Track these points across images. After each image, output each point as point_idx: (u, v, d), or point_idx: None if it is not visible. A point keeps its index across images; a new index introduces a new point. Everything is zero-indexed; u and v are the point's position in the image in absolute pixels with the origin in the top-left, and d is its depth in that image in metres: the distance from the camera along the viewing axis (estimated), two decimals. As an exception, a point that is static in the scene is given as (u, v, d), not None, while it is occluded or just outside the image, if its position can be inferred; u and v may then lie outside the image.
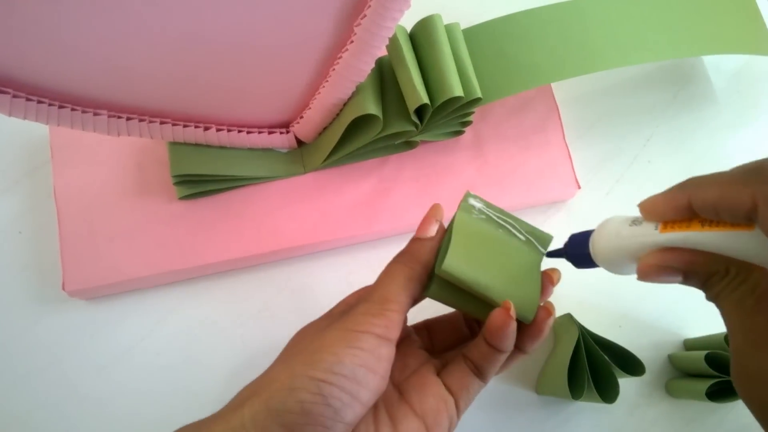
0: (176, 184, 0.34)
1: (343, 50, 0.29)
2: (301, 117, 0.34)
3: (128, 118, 0.30)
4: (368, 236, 0.37)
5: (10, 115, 0.26)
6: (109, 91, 0.28)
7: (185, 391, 0.35)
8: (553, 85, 0.39)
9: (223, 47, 0.26)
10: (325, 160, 0.35)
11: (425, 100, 0.30)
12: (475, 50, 0.32)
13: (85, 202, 0.35)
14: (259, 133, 0.35)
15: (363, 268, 0.38)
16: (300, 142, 0.37)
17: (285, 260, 0.37)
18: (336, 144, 0.34)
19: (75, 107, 0.28)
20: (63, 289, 0.34)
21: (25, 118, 0.26)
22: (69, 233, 0.34)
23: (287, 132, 0.35)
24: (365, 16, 0.26)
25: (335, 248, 0.37)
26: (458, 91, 0.30)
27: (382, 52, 0.29)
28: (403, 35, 0.32)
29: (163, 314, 0.36)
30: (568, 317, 0.35)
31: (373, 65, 0.29)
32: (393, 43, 0.31)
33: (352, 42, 0.28)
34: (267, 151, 0.36)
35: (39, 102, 0.26)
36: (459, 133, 0.37)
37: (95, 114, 0.28)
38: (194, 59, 0.27)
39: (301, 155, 0.36)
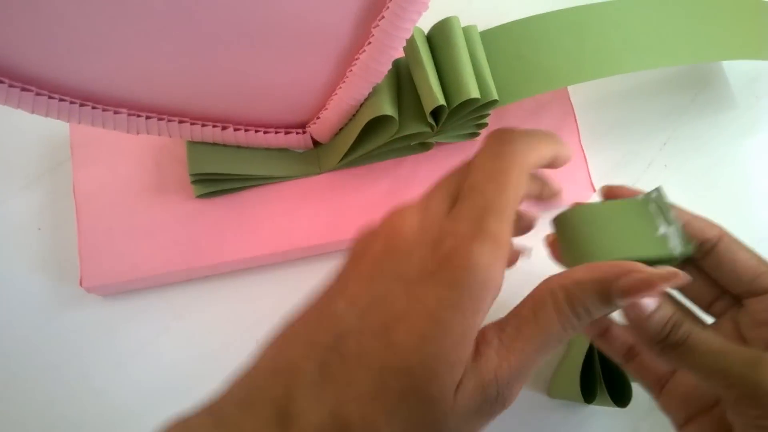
0: (194, 182, 0.35)
1: (360, 51, 0.29)
2: (318, 118, 0.34)
3: (147, 117, 0.30)
4: None
5: (32, 112, 0.26)
6: (129, 89, 0.28)
7: (199, 390, 0.35)
8: (569, 88, 0.39)
9: (242, 47, 0.27)
10: (340, 161, 0.35)
11: (441, 101, 0.30)
12: (492, 52, 0.32)
13: (104, 199, 0.36)
14: (276, 133, 0.35)
15: None
16: (316, 143, 0.37)
17: (299, 260, 0.38)
18: (351, 145, 0.34)
19: (95, 105, 0.28)
20: (80, 285, 0.34)
21: (47, 115, 0.27)
22: (87, 230, 0.35)
23: (303, 132, 0.36)
24: (383, 17, 0.26)
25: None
26: (475, 92, 0.30)
27: (400, 53, 0.29)
28: (420, 37, 0.32)
29: (179, 312, 0.36)
30: (582, 321, 0.35)
31: (390, 67, 0.29)
32: (410, 45, 0.32)
33: (369, 43, 0.28)
34: (283, 150, 0.36)
35: (60, 100, 0.27)
36: (474, 135, 0.37)
37: (115, 112, 0.29)
38: (213, 58, 0.27)
39: (317, 155, 0.37)
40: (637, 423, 0.35)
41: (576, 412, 0.36)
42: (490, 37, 0.33)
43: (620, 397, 0.32)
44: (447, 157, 0.37)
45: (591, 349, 0.33)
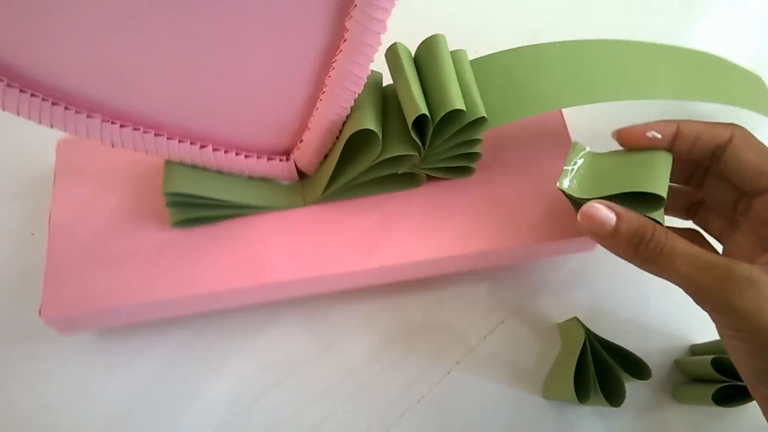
0: (169, 205, 0.33)
1: (337, 52, 0.28)
2: (301, 141, 0.33)
3: (122, 126, 0.29)
4: (367, 275, 0.34)
5: (3, 109, 0.25)
6: (104, 91, 0.27)
7: (186, 390, 0.36)
8: (567, 123, 0.38)
9: (216, 42, 0.26)
10: (325, 190, 0.33)
11: (424, 110, 0.29)
12: (482, 78, 0.31)
13: (79, 229, 0.34)
14: (258, 158, 0.33)
15: (363, 325, 0.37)
16: (301, 175, 0.35)
17: (281, 305, 0.37)
18: (336, 170, 0.32)
19: (68, 106, 0.27)
20: (39, 314, 0.31)
21: (17, 112, 0.26)
22: (56, 259, 0.33)
23: (287, 160, 0.34)
24: (356, 6, 0.26)
25: (333, 291, 0.36)
26: (459, 104, 0.29)
27: (375, 50, 0.28)
28: (405, 54, 0.31)
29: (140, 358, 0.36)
30: (575, 321, 0.35)
31: (368, 71, 0.28)
32: (393, 55, 0.31)
33: (345, 41, 0.27)
34: (267, 181, 0.34)
35: (33, 95, 0.26)
36: (468, 170, 0.35)
37: (89, 116, 0.28)
38: (188, 59, 0.27)
39: (302, 187, 0.35)
40: (632, 423, 0.36)
41: (570, 412, 0.36)
42: (481, 64, 0.32)
43: (614, 397, 0.32)
44: (440, 194, 0.35)
45: (585, 351, 0.33)
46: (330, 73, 0.29)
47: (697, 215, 0.33)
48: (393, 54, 0.31)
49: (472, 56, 0.32)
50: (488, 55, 0.33)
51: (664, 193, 0.27)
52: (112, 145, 0.29)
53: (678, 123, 0.28)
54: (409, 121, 0.29)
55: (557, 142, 0.37)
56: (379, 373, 0.36)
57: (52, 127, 0.27)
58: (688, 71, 0.33)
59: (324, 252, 0.33)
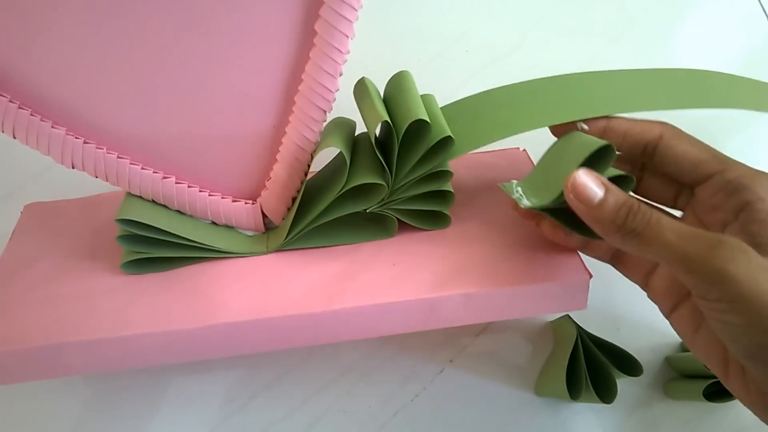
0: (121, 239, 0.30)
1: (305, 64, 0.28)
2: (269, 179, 0.31)
3: (86, 142, 0.28)
4: (329, 322, 0.30)
5: None
6: (73, 98, 0.27)
7: (181, 389, 0.35)
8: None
9: (184, 41, 0.26)
10: (289, 232, 0.31)
11: (385, 117, 0.28)
12: (451, 118, 0.31)
13: (24, 274, 0.31)
14: (222, 198, 0.31)
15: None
16: (267, 227, 0.33)
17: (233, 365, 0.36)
18: (300, 208, 0.31)
19: (35, 113, 0.27)
20: None
21: None
22: None
23: (253, 203, 0.32)
24: (323, 3, 0.26)
25: (294, 346, 0.31)
26: (423, 115, 0.28)
27: (343, 58, 0.27)
28: (372, 85, 0.31)
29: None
30: (567, 319, 0.36)
31: (337, 86, 0.27)
32: (360, 85, 0.31)
33: (314, 46, 0.27)
34: (229, 228, 0.32)
35: (1, 95, 0.26)
36: (442, 219, 0.32)
37: (53, 127, 0.27)
38: (155, 68, 0.27)
39: (267, 237, 0.33)
40: (623, 419, 0.36)
41: (562, 409, 0.36)
42: (449, 109, 0.32)
43: (606, 393, 0.33)
44: (412, 245, 0.32)
45: (576, 347, 0.33)
46: (299, 88, 0.28)
47: None
48: (360, 85, 0.31)
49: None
50: (456, 101, 0.33)
51: (606, 142, 0.26)
52: (72, 166, 0.28)
53: (607, 118, 0.29)
54: (371, 129, 0.29)
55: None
56: (372, 373, 0.36)
57: (14, 135, 0.26)
58: (671, 85, 0.32)
59: (283, 295, 0.30)
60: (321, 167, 0.33)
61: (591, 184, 0.25)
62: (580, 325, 0.34)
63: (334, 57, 0.27)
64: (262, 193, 0.32)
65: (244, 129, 0.30)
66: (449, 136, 0.28)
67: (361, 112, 0.30)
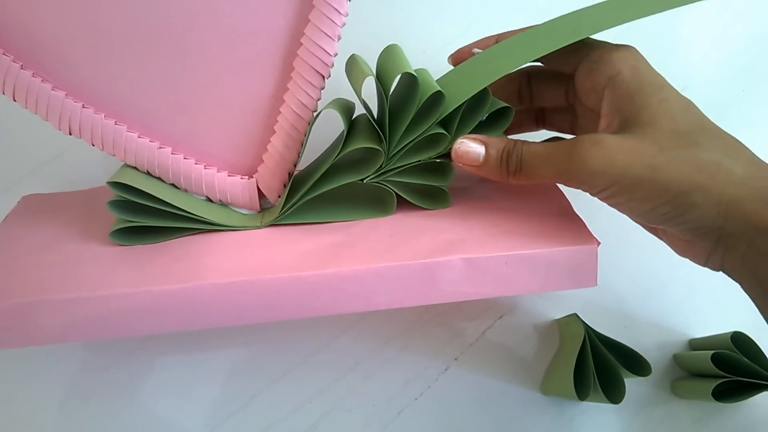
0: (112, 206, 0.29)
1: (305, 26, 0.27)
2: (266, 151, 0.31)
3: (84, 106, 0.28)
4: (322, 288, 0.28)
5: None
6: (74, 61, 0.27)
7: (182, 389, 0.35)
8: None
9: (184, 19, 0.26)
10: (284, 204, 0.30)
11: (370, 73, 0.28)
12: (443, 83, 0.30)
13: (13, 245, 0.31)
14: (219, 171, 0.31)
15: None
16: (263, 207, 0.32)
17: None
18: (294, 180, 0.30)
19: (36, 73, 0.27)
20: None
21: None
22: None
23: (249, 178, 0.31)
24: None
25: (285, 317, 0.29)
26: (410, 69, 0.28)
27: (342, 22, 0.27)
28: (362, 60, 0.30)
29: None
30: (575, 317, 0.35)
31: (335, 49, 0.27)
32: (351, 59, 0.31)
33: (313, 8, 0.27)
34: (224, 206, 0.32)
35: (4, 54, 0.26)
36: (443, 197, 0.32)
37: (53, 89, 0.27)
38: (155, 27, 0.27)
39: (261, 214, 0.32)
40: (630, 419, 0.36)
41: (568, 408, 0.36)
42: (443, 77, 0.32)
43: (614, 393, 0.32)
44: (409, 223, 0.31)
45: (584, 347, 0.33)
46: (298, 52, 0.28)
47: (545, 123, 0.35)
48: (350, 59, 0.31)
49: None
50: (450, 70, 0.33)
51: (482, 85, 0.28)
52: (70, 131, 0.28)
53: (496, 37, 0.31)
54: (359, 92, 0.28)
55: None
56: (376, 371, 0.36)
57: (14, 98, 0.26)
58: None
59: (275, 260, 0.29)
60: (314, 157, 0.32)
61: (471, 146, 0.29)
62: (588, 323, 0.34)
63: (333, 18, 0.27)
64: (259, 169, 0.31)
65: (241, 97, 0.29)
66: (439, 91, 0.28)
67: (351, 83, 0.30)
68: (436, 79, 0.31)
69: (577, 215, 0.31)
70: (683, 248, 0.28)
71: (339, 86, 0.30)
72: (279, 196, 0.31)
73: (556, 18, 0.32)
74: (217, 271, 0.28)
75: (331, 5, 0.27)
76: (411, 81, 0.28)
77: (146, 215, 0.29)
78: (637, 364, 0.33)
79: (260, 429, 0.34)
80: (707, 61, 0.44)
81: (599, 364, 0.33)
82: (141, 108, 0.29)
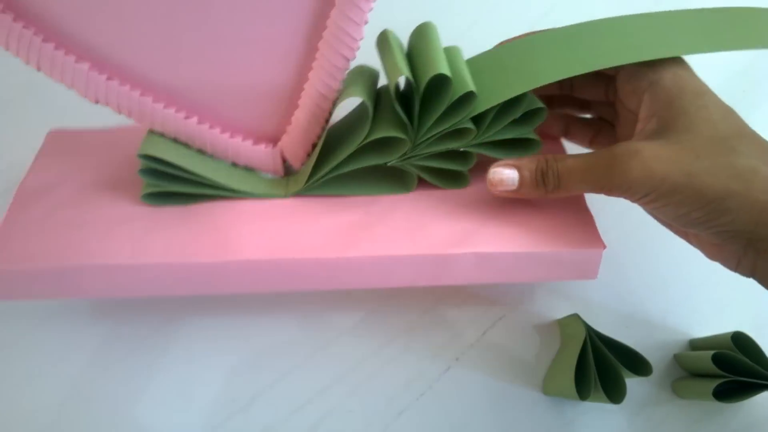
0: (143, 173, 0.31)
1: (330, 10, 0.27)
2: (289, 124, 0.32)
3: (109, 78, 0.28)
4: (343, 269, 0.31)
5: None
6: (97, 32, 0.27)
7: (182, 389, 0.35)
8: None
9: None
10: (309, 178, 0.32)
11: (406, 72, 0.28)
12: (476, 71, 0.30)
13: (46, 196, 0.32)
14: (243, 140, 0.32)
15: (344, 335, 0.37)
16: (286, 171, 0.34)
17: (278, 303, 0.36)
18: (320, 155, 0.31)
19: (59, 45, 0.27)
20: None
21: (6, 45, 0.25)
22: (13, 217, 0.31)
23: (273, 146, 0.33)
24: None
25: (307, 288, 0.32)
26: (444, 69, 0.28)
27: (369, 7, 0.27)
28: (395, 38, 0.31)
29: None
30: (576, 317, 0.35)
31: (362, 34, 0.27)
32: (382, 38, 0.30)
33: None
34: (249, 170, 0.33)
35: (24, 27, 0.25)
36: (462, 178, 0.33)
37: (77, 61, 0.27)
38: (181, 7, 0.26)
39: (286, 181, 0.34)
40: (631, 419, 0.36)
41: (569, 408, 0.36)
42: (474, 61, 0.31)
43: (615, 393, 0.32)
44: (429, 202, 0.33)
45: (585, 347, 0.33)
46: (323, 35, 0.28)
47: (568, 134, 0.36)
48: (382, 37, 0.31)
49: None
50: (482, 52, 0.32)
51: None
52: (96, 100, 0.28)
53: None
54: (393, 86, 0.29)
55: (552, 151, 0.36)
56: (377, 371, 0.36)
57: (38, 68, 0.26)
58: (709, 24, 0.31)
59: (299, 238, 0.31)
60: (343, 115, 0.33)
61: (505, 173, 0.29)
62: (589, 323, 0.34)
63: (361, 5, 0.27)
64: (283, 138, 0.32)
65: (266, 75, 0.30)
66: (472, 92, 0.29)
67: (383, 65, 0.30)
68: (479, 54, 0.32)
69: (588, 211, 0.33)
70: (713, 252, 0.28)
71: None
72: (302, 164, 0.33)
73: (604, 29, 0.31)
74: (246, 247, 0.30)
75: None
76: (444, 79, 0.28)
77: (175, 182, 0.31)
78: (638, 364, 0.33)
79: (261, 429, 0.34)
80: (707, 62, 0.44)
81: (600, 364, 0.33)
82: (166, 83, 0.29)
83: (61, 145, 0.35)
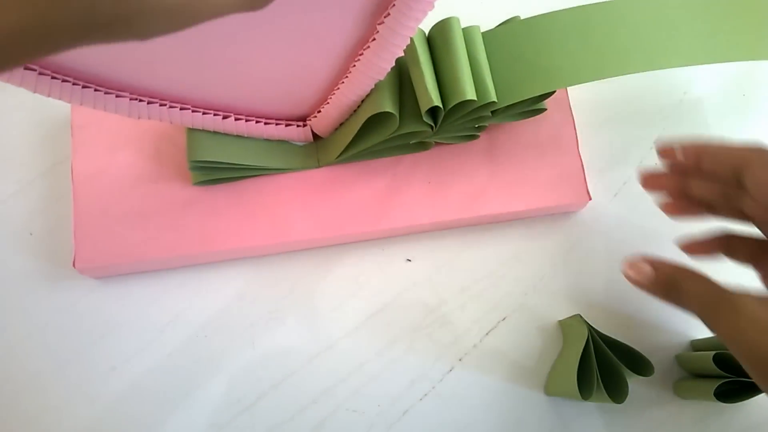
0: (192, 169, 0.35)
1: (364, 47, 0.29)
2: (319, 111, 0.35)
3: (149, 102, 0.30)
4: (377, 234, 0.38)
5: (35, 91, 0.26)
6: (132, 75, 0.28)
7: (188, 389, 0.35)
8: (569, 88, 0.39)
9: (247, 39, 0.27)
10: (339, 156, 0.35)
11: (436, 102, 0.30)
12: (494, 53, 0.32)
13: (101, 182, 0.36)
14: (276, 124, 0.35)
15: (372, 268, 0.38)
16: (316, 137, 0.37)
17: (295, 256, 0.38)
18: (351, 140, 0.34)
19: (98, 88, 0.28)
20: (73, 265, 0.34)
21: (49, 95, 0.27)
22: (83, 211, 0.35)
23: (304, 125, 0.36)
24: (389, 14, 0.26)
25: (345, 244, 0.38)
26: (471, 94, 0.30)
27: (402, 51, 0.29)
28: (420, 37, 0.32)
29: (173, 314, 0.37)
30: (578, 318, 0.35)
31: (393, 64, 0.29)
32: (409, 45, 0.31)
33: (374, 39, 0.28)
34: (282, 142, 0.37)
35: (63, 81, 0.27)
36: (473, 137, 0.37)
37: (117, 96, 0.29)
38: (218, 49, 0.27)
39: (316, 149, 0.37)
40: (632, 418, 0.36)
41: (572, 408, 0.36)
42: (492, 37, 0.33)
43: (617, 393, 0.32)
44: (446, 158, 0.38)
45: (588, 347, 0.33)
46: (355, 63, 0.30)
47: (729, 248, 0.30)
48: (410, 47, 0.32)
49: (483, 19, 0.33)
50: (499, 26, 0.34)
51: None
52: (139, 118, 0.30)
53: (703, 147, 0.28)
54: (423, 109, 0.31)
55: (557, 104, 0.38)
56: (381, 372, 0.36)
57: (81, 104, 0.28)
58: (724, 25, 0.30)
59: (337, 214, 0.36)
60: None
61: (644, 269, 0.28)
62: (591, 323, 0.34)
63: (393, 50, 0.28)
64: (312, 119, 0.36)
65: (300, 87, 0.32)
66: (494, 101, 0.31)
67: (411, 75, 0.32)
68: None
69: (583, 173, 0.37)
70: None
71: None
72: (330, 133, 0.36)
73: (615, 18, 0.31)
74: (295, 229, 0.36)
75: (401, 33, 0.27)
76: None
77: (222, 171, 0.35)
78: (639, 364, 0.33)
79: (266, 429, 0.35)
80: (708, 66, 0.44)
81: (602, 365, 0.33)
82: (206, 98, 0.32)
83: (91, 139, 0.37)
